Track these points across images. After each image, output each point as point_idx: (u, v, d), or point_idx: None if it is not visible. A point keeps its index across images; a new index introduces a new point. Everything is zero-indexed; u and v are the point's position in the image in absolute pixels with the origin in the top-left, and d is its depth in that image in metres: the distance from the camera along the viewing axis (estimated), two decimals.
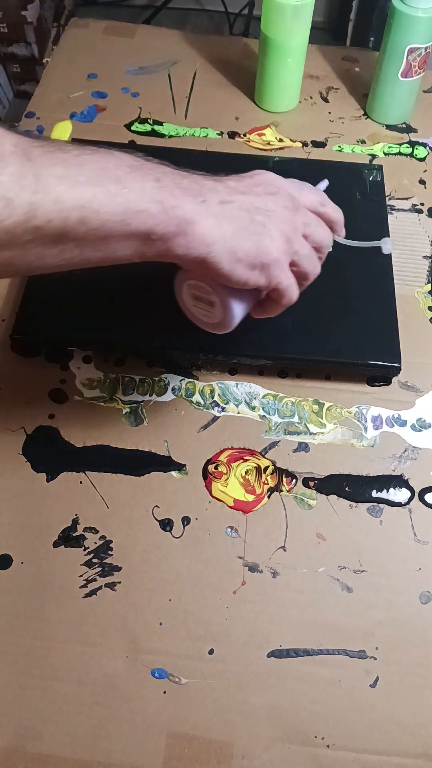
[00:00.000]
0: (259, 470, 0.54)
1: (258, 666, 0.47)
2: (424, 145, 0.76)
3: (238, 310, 0.45)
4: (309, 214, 0.44)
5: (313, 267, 0.44)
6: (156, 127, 0.76)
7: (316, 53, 0.85)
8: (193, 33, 0.88)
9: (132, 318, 0.57)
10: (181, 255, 0.37)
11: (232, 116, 0.78)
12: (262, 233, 0.40)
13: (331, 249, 0.47)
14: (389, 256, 0.62)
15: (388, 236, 0.63)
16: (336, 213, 0.48)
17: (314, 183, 0.67)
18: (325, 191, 0.67)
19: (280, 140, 0.76)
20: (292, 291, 0.43)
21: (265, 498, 0.53)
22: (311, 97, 0.81)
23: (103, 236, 0.34)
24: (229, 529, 0.52)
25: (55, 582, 0.49)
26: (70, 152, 0.34)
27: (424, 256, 0.66)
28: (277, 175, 0.44)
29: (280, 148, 0.75)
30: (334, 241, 0.49)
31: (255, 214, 0.40)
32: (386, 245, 0.53)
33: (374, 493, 0.53)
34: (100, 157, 0.35)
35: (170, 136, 0.75)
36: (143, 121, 0.77)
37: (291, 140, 0.76)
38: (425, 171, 0.73)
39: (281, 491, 0.53)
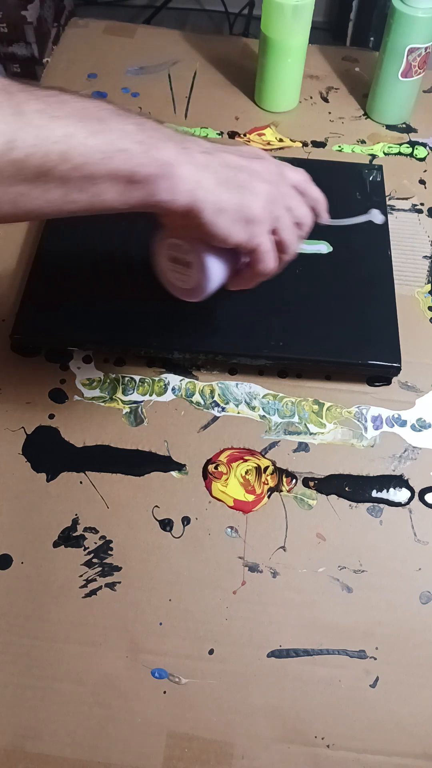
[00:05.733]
0: (259, 470, 0.54)
1: (258, 666, 0.47)
2: (424, 145, 0.76)
3: (215, 272, 0.44)
4: (292, 189, 0.44)
5: (293, 240, 0.44)
6: None
7: (316, 53, 0.85)
8: (193, 33, 0.88)
9: (132, 318, 0.57)
10: (166, 201, 0.37)
11: (232, 116, 0.78)
12: (246, 189, 0.40)
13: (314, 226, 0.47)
14: (389, 256, 0.62)
15: (389, 238, 0.63)
16: (319, 194, 0.47)
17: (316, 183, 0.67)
18: (325, 192, 0.67)
19: (280, 140, 0.76)
20: (270, 257, 0.43)
21: (265, 498, 0.53)
22: (311, 97, 0.81)
23: (85, 176, 0.34)
24: (229, 529, 0.52)
25: (55, 582, 0.49)
26: (50, 92, 0.34)
27: (424, 256, 0.66)
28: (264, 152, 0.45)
29: (280, 148, 0.75)
30: (327, 227, 0.49)
31: (239, 171, 0.40)
32: (376, 216, 0.53)
33: (374, 493, 0.53)
34: (82, 100, 0.35)
35: None
36: None
37: (291, 140, 0.76)
38: (425, 171, 0.73)
39: (281, 491, 0.53)
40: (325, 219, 0.48)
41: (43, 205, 0.34)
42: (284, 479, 0.53)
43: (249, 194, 0.40)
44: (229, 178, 0.39)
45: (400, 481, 0.54)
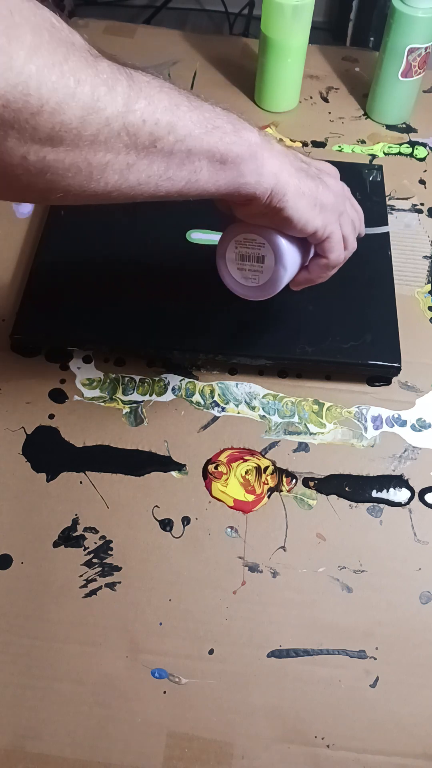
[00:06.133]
0: (259, 470, 0.54)
1: (258, 666, 0.47)
2: (424, 145, 0.76)
3: (291, 264, 0.45)
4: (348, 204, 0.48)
5: (353, 236, 0.47)
6: None
7: (316, 53, 0.85)
8: (193, 33, 0.88)
9: (132, 318, 0.57)
10: (252, 183, 0.38)
11: None
12: (318, 179, 0.42)
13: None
14: (389, 256, 0.62)
15: (389, 238, 0.63)
16: (359, 206, 0.51)
17: None
18: None
19: (280, 140, 0.76)
20: (341, 247, 0.45)
21: (265, 498, 0.53)
22: (311, 97, 0.81)
23: (186, 150, 0.34)
24: (229, 529, 0.52)
25: (55, 582, 0.49)
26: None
27: (424, 256, 0.66)
28: None
29: None
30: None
31: (309, 165, 0.43)
32: (411, 221, 0.55)
33: (374, 493, 0.53)
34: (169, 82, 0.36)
35: None
36: None
37: (291, 140, 0.76)
38: (425, 171, 0.73)
39: (281, 491, 0.53)
40: (362, 230, 0.51)
41: (143, 180, 0.34)
42: (284, 479, 0.53)
43: (321, 184, 0.42)
44: (303, 168, 0.41)
45: (400, 481, 0.54)
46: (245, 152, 0.37)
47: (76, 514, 0.52)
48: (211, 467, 0.54)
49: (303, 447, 0.55)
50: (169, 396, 0.57)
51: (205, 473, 0.53)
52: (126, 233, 0.62)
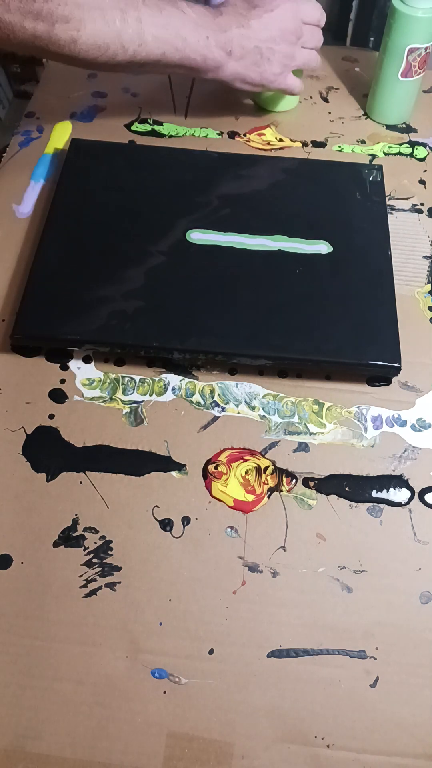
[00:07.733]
0: (259, 470, 0.54)
1: (258, 666, 0.47)
2: (424, 145, 0.76)
3: None
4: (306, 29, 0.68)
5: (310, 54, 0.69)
6: (156, 127, 0.76)
7: None
8: None
9: (132, 318, 0.57)
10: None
11: (232, 116, 0.78)
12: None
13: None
14: (389, 256, 0.62)
15: (389, 238, 0.63)
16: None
17: (314, 185, 0.67)
18: (325, 191, 0.67)
19: (280, 140, 0.76)
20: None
21: (265, 498, 0.53)
22: (311, 97, 0.81)
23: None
24: (229, 529, 0.52)
25: (55, 582, 0.49)
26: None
27: (424, 256, 0.66)
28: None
29: (280, 148, 0.75)
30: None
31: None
32: None
33: (374, 493, 0.53)
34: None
35: (170, 136, 0.75)
36: (143, 121, 0.76)
37: (291, 140, 0.76)
38: (425, 171, 0.73)
39: (281, 491, 0.53)
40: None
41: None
42: (284, 479, 0.53)
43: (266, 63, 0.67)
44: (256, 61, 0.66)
45: (400, 481, 0.54)
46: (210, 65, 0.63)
47: (76, 514, 0.52)
48: (211, 467, 0.54)
49: (303, 447, 0.55)
50: (169, 396, 0.57)
51: (205, 473, 0.53)
52: (126, 233, 0.62)
